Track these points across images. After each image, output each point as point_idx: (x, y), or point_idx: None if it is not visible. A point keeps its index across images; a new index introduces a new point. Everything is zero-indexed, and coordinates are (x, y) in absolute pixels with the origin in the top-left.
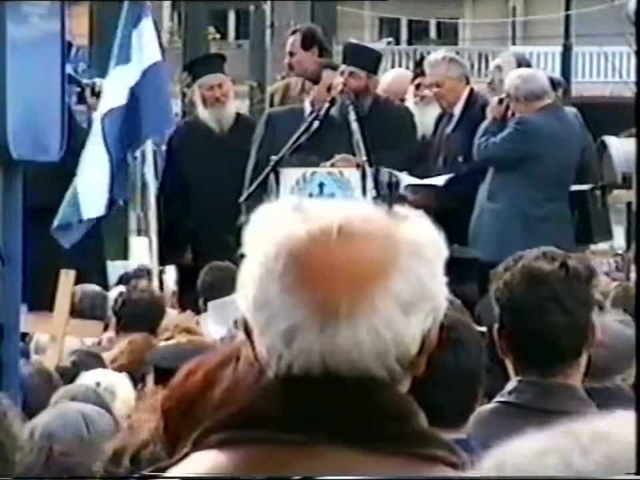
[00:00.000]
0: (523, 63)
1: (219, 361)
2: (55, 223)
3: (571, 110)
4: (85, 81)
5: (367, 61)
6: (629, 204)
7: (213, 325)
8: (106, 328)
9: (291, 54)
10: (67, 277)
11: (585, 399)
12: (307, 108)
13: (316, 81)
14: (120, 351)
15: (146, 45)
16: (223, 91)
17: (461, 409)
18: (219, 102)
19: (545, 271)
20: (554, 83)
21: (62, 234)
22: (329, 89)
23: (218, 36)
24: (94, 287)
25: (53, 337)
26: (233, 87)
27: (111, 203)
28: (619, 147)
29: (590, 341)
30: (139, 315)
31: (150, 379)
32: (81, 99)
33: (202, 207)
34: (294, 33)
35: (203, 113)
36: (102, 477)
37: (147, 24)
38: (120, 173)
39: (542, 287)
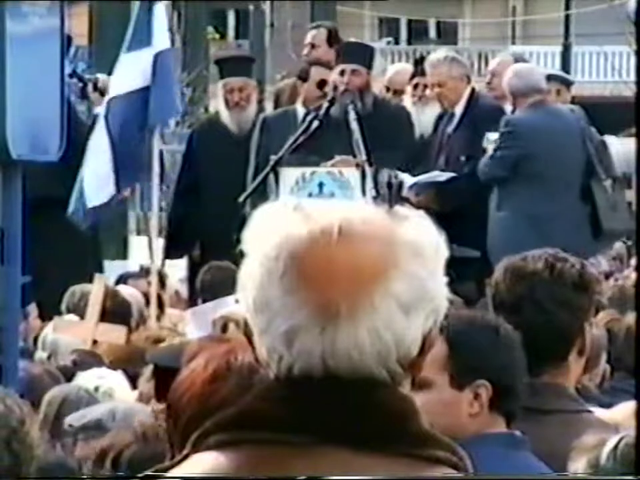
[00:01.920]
0: (520, 62)
1: (226, 355)
2: (68, 210)
3: (567, 106)
4: (87, 76)
5: (363, 57)
6: (628, 204)
7: (193, 332)
8: (122, 318)
9: (313, 46)
10: (99, 282)
11: (574, 398)
12: (299, 109)
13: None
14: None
15: (158, 31)
16: (244, 94)
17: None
18: (239, 105)
19: (527, 270)
20: (567, 81)
21: (74, 220)
22: (319, 86)
23: (218, 36)
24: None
25: (84, 340)
26: (256, 91)
27: (117, 191)
28: (619, 146)
29: (579, 345)
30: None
31: (142, 380)
32: (83, 95)
33: (215, 205)
34: (317, 27)
35: (224, 114)
36: (103, 478)
37: (159, 9)
38: (125, 162)
39: (520, 285)
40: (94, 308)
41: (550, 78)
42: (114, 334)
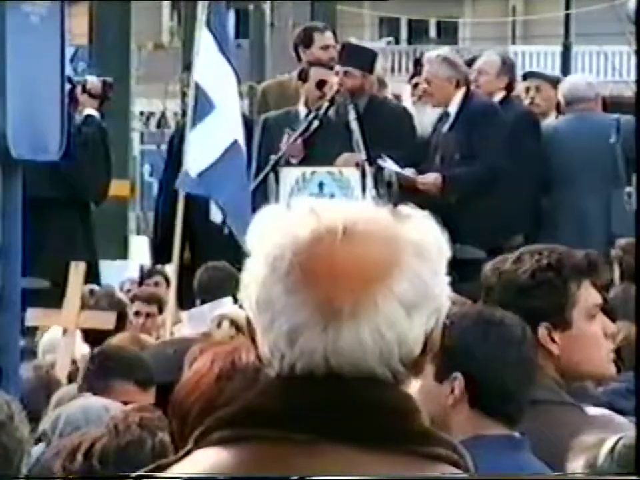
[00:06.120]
0: (507, 61)
1: (231, 354)
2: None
3: (608, 115)
4: (76, 78)
5: (363, 60)
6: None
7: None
8: (119, 318)
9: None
10: (76, 270)
11: (555, 389)
12: (302, 109)
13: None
14: None
15: (215, 92)
16: None
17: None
18: None
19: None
20: (548, 78)
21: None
22: (318, 86)
23: None
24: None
25: (65, 330)
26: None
27: None
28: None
29: None
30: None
31: None
32: (72, 97)
33: (201, 206)
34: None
35: None
36: (103, 477)
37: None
38: None
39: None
40: (74, 296)
41: (530, 75)
42: (100, 320)
